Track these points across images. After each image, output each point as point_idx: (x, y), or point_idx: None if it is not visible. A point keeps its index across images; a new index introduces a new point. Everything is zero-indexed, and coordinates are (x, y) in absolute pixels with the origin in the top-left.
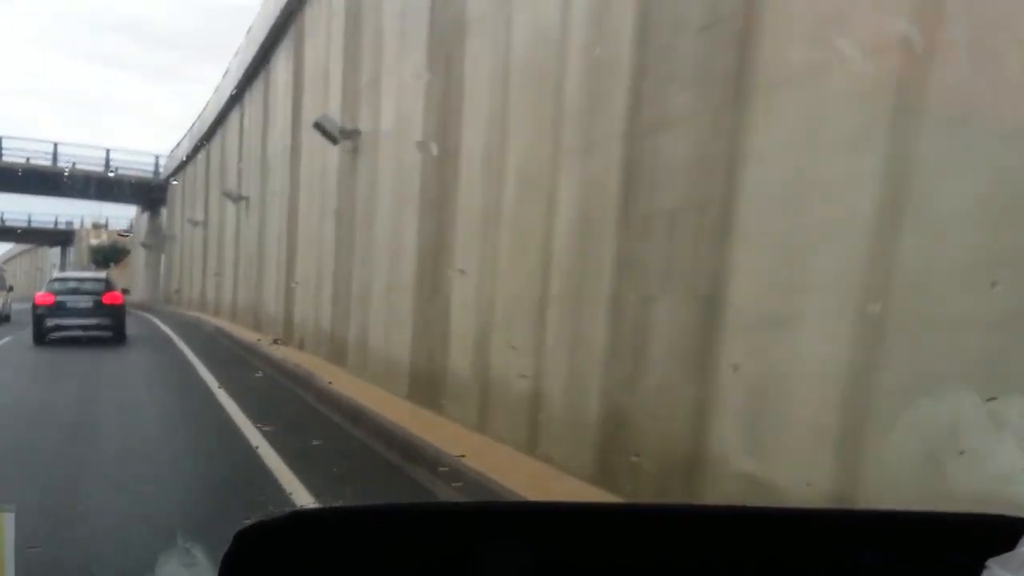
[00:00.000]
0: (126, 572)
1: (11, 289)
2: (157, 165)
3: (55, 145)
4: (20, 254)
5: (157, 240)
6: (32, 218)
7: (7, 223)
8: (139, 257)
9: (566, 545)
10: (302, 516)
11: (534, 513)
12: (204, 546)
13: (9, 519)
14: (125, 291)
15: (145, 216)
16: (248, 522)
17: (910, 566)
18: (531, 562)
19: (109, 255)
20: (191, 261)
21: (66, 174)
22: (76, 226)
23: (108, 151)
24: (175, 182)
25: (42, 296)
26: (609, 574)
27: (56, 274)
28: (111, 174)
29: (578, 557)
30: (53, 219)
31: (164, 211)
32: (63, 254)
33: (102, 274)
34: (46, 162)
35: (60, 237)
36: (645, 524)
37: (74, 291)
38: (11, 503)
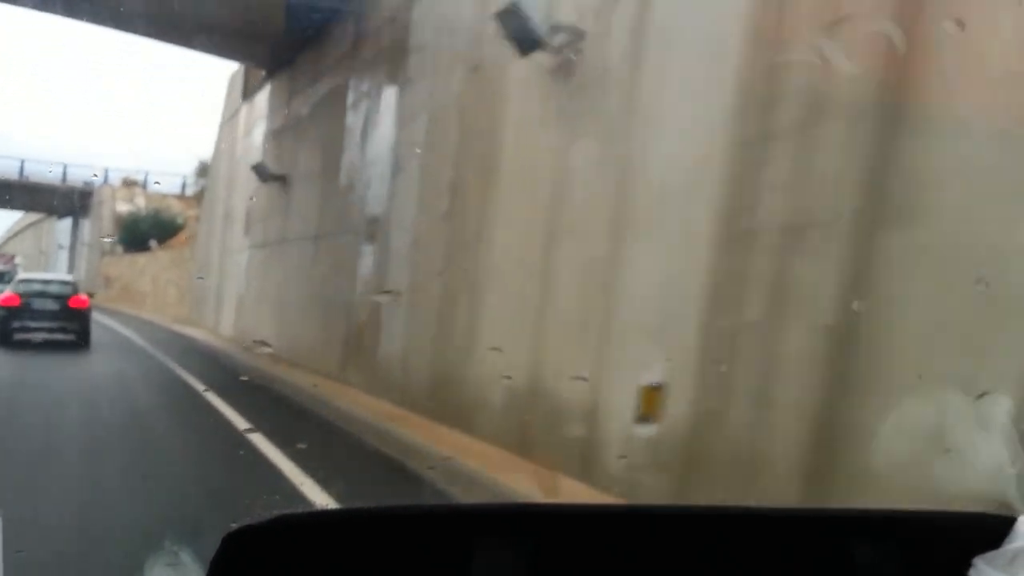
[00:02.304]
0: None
1: None
2: None
3: None
4: (23, 230)
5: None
6: (26, 167)
7: None
8: (233, 220)
9: (560, 547)
10: (289, 519)
11: (526, 515)
12: (192, 549)
13: None
14: (90, 294)
15: (270, 91)
16: (235, 525)
17: (899, 563)
18: (522, 564)
19: (150, 229)
20: None
21: None
22: (100, 182)
23: None
24: None
25: (7, 297)
26: (609, 575)
27: (22, 275)
28: None
29: (575, 559)
30: (60, 169)
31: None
32: (75, 228)
33: (69, 277)
34: None
35: (70, 200)
36: (645, 525)
37: (40, 293)
38: None
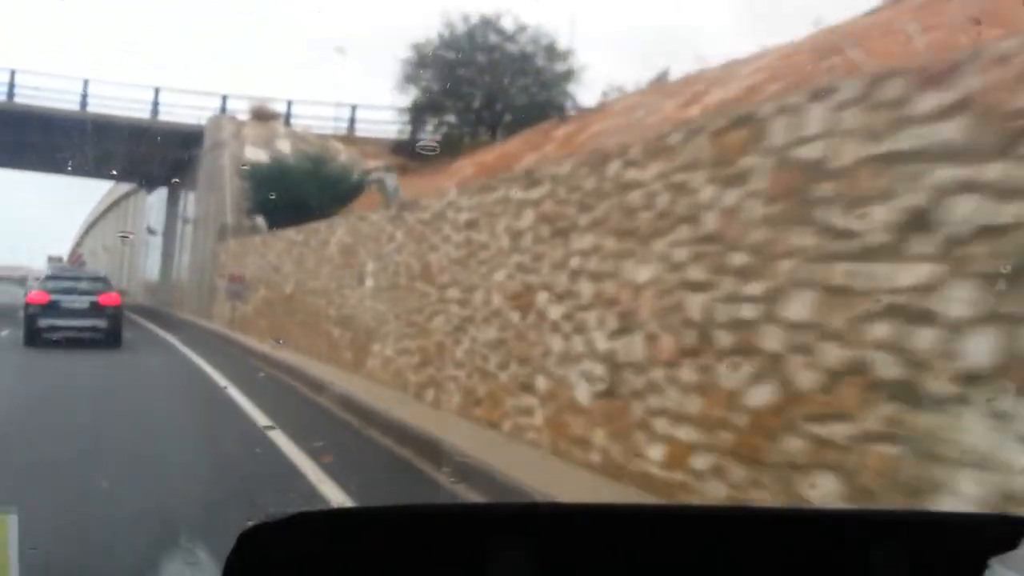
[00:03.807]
0: (130, 572)
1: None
2: None
3: None
4: (103, 216)
5: None
6: (91, 91)
7: (15, 99)
8: None
9: (575, 546)
10: (305, 518)
11: (540, 514)
12: (207, 546)
13: (12, 521)
14: (122, 292)
15: None
16: (251, 523)
17: (914, 565)
18: (538, 563)
19: (313, 189)
20: None
21: None
22: (213, 116)
23: None
24: None
25: (36, 295)
26: (618, 574)
27: (50, 271)
28: None
29: (588, 557)
30: (150, 100)
31: None
32: (172, 198)
33: (100, 272)
34: None
35: (182, 146)
36: (656, 524)
37: (69, 291)
38: (14, 505)
